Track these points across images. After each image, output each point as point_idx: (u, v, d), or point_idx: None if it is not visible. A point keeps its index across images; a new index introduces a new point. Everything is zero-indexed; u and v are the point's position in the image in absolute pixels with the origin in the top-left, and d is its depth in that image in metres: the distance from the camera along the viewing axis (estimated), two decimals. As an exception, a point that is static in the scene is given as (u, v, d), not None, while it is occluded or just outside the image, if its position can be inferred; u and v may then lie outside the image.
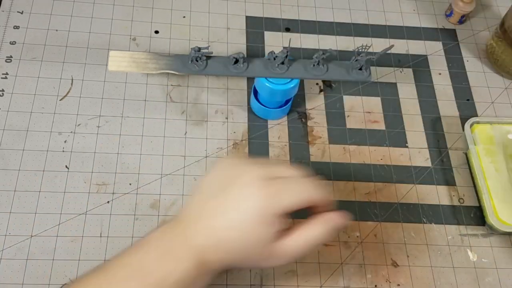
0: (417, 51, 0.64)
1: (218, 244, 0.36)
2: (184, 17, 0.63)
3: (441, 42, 0.65)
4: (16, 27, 0.58)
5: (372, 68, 0.62)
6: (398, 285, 0.49)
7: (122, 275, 0.35)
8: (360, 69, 0.51)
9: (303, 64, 0.51)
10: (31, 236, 0.47)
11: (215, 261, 0.37)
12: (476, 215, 0.54)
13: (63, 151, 0.52)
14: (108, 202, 0.50)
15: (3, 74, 0.55)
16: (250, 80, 0.59)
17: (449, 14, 0.67)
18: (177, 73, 0.50)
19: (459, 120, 0.59)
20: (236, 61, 0.50)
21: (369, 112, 0.59)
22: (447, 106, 0.60)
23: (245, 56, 0.49)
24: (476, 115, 0.60)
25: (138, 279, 0.34)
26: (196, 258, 0.36)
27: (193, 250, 0.36)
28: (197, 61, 0.50)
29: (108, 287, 0.34)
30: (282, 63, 0.49)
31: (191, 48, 0.49)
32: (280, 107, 0.55)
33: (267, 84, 0.50)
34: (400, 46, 0.64)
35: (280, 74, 0.50)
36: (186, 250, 0.36)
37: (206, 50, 0.49)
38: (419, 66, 0.63)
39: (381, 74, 0.62)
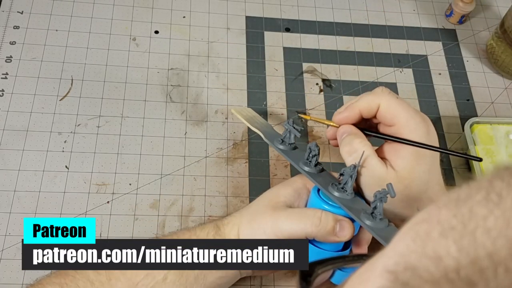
0: (417, 51, 0.64)
1: None
2: (184, 17, 0.63)
3: (441, 42, 0.65)
4: (16, 27, 0.58)
5: (372, 68, 0.62)
6: (398, 285, 0.49)
7: None
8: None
9: None
10: (31, 236, 0.47)
11: None
12: (476, 215, 0.54)
13: (63, 151, 0.52)
14: (108, 202, 0.49)
15: (3, 74, 0.55)
16: (251, 80, 0.59)
17: (449, 14, 0.67)
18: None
19: (459, 120, 0.59)
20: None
21: (369, 112, 0.59)
22: (447, 106, 0.60)
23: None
24: (476, 115, 0.60)
25: None
26: None
27: None
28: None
29: None
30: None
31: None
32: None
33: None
34: (400, 46, 0.64)
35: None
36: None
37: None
38: (419, 66, 0.63)
39: (381, 74, 0.62)
